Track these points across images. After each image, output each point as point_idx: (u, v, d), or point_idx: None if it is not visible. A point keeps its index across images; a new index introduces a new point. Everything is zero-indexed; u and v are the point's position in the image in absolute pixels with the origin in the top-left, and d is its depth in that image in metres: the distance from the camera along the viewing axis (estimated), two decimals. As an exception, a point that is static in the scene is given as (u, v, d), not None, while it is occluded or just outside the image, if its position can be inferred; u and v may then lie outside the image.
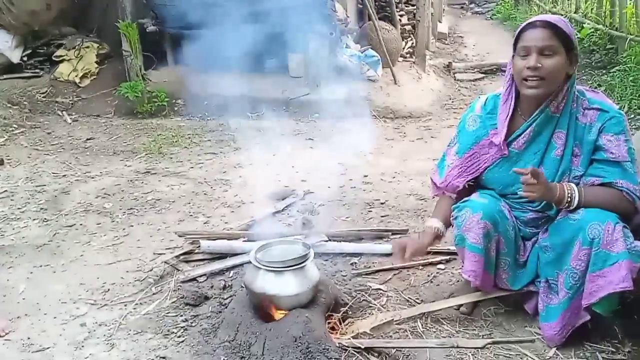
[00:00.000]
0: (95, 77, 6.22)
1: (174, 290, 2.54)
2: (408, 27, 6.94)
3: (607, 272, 1.89)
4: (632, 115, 4.47)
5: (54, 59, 6.27)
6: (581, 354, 2.03)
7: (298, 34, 5.60)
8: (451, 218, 2.24)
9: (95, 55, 6.31)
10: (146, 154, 4.57)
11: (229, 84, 5.23)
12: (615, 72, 5.35)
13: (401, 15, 6.91)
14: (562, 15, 7.55)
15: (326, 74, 5.78)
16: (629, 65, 5.18)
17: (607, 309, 1.97)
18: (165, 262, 2.74)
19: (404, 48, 6.67)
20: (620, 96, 4.86)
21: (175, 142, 4.86)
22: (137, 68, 5.79)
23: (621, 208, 1.96)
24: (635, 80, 4.89)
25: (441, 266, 2.68)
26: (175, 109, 5.72)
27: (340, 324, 2.22)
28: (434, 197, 2.44)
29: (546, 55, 1.97)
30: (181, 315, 2.35)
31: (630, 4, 5.72)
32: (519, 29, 2.04)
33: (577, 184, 2.02)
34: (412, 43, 6.78)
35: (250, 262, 2.19)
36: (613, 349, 2.04)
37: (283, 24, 4.98)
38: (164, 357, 2.11)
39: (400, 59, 6.48)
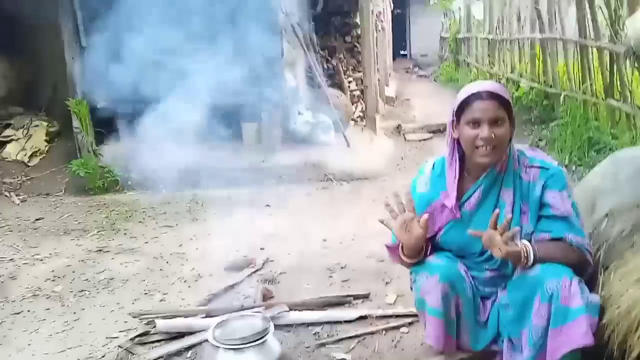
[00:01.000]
0: (44, 155, 6.12)
1: (129, 379, 2.40)
2: (357, 93, 7.19)
3: (568, 328, 1.89)
4: (574, 167, 4.68)
5: (1, 139, 6.14)
6: (549, 412, 2.00)
7: (252, 103, 5.72)
8: (410, 282, 2.23)
9: (45, 133, 6.23)
10: (98, 232, 4.44)
11: (184, 155, 5.21)
12: (553, 126, 5.64)
13: (350, 82, 7.18)
14: (499, 76, 8.01)
15: (280, 141, 5.88)
16: (565, 120, 5.47)
17: (570, 363, 1.98)
18: (119, 346, 2.60)
19: (354, 112, 6.89)
20: (561, 149, 5.10)
21: (130, 217, 4.75)
22: (88, 144, 5.73)
23: (573, 261, 2.00)
24: (572, 133, 5.15)
25: (404, 329, 2.65)
26: (129, 183, 5.63)
27: (306, 399, 2.14)
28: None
29: (496, 125, 2.04)
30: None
31: (560, 63, 6.12)
32: (463, 99, 2.09)
33: (529, 241, 2.07)
34: (362, 107, 7.01)
35: (208, 341, 2.11)
36: (580, 404, 2.02)
37: (237, 94, 5.09)
38: None
39: (352, 122, 6.68)
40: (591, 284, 2.06)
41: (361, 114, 6.93)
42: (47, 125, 6.29)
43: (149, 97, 5.74)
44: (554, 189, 2.09)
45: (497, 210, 1.99)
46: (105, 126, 6.01)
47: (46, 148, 6.16)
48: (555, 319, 1.92)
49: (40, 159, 6.06)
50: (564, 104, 5.73)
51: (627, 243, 2.15)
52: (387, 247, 2.38)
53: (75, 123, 5.73)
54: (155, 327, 2.68)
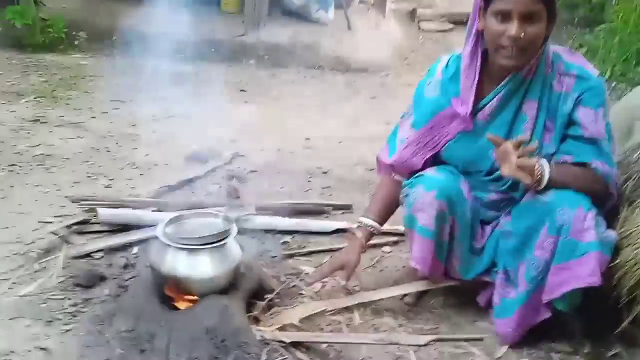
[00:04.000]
0: (-27, -4, 5.86)
1: (62, 268, 2.45)
2: (368, -38, 6.90)
3: (575, 264, 1.96)
4: (614, 83, 4.66)
5: None
6: (535, 354, 2.12)
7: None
8: (401, 195, 2.26)
9: (-25, -32, 5.93)
10: (35, 98, 4.39)
11: (146, 17, 5.04)
12: (599, 31, 5.53)
13: (361, -53, 6.86)
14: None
15: (267, 12, 5.69)
16: (615, 24, 5.35)
17: (569, 305, 2.06)
18: (52, 232, 2.64)
19: (361, -13, 6.65)
20: (603, 59, 5.05)
21: (74, 84, 4.69)
22: (28, -12, 5.49)
23: (594, 191, 2.03)
24: (621, 42, 5.07)
25: (387, 249, 2.74)
26: (76, 43, 5.52)
27: (264, 313, 2.22)
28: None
29: (529, 22, 1.97)
30: (69, 299, 2.28)
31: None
32: None
33: (548, 162, 2.08)
34: (372, -18, 6.76)
35: (157, 237, 2.15)
36: (571, 349, 2.14)
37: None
38: (44, 349, 2.04)
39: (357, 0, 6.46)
40: (610, 219, 2.10)
41: (370, -10, 6.72)
42: (-23, -42, 5.98)
43: None
44: (588, 105, 2.06)
45: (526, 136, 1.99)
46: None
47: (-25, -12, 5.90)
48: (561, 254, 1.98)
49: (-32, 0, 5.83)
50: (617, 4, 5.59)
51: (661, 177, 2.17)
52: (378, 159, 2.38)
53: (14, -40, 5.45)
54: (96, 215, 2.72)
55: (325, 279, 2.37)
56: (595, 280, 1.94)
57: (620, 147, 2.41)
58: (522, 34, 1.96)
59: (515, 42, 1.97)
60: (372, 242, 2.69)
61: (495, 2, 2.00)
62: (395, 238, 2.76)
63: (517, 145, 1.95)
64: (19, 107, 4.21)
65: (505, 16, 1.98)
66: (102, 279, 2.41)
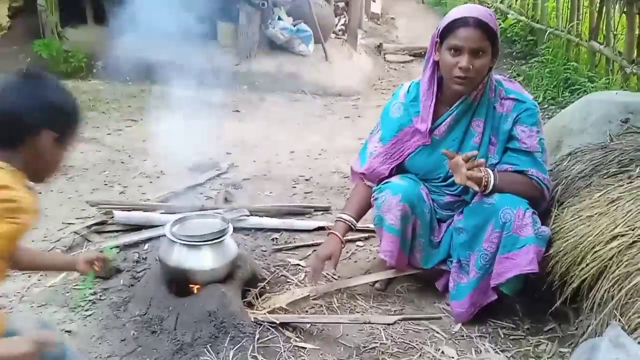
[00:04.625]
0: (6, 31, 5.78)
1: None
2: (341, 4, 6.92)
3: (516, 254, 1.99)
4: (546, 105, 4.71)
5: (-42, 8, 5.74)
6: (484, 330, 2.14)
7: (229, 2, 5.44)
8: (371, 199, 2.27)
9: (7, 8, 5.84)
10: (60, 118, 4.29)
11: (154, 48, 5.00)
12: (533, 63, 5.61)
13: (335, -8, 6.87)
14: (488, 5, 7.81)
15: (257, 45, 5.67)
16: (546, 57, 5.44)
17: (512, 289, 2.08)
18: (75, 232, 2.61)
19: (336, 25, 6.66)
20: (537, 86, 5.11)
21: (93, 106, 4.61)
22: (52, 24, 5.40)
23: (531, 195, 2.07)
24: (551, 72, 5.14)
25: (360, 243, 2.73)
26: (94, 71, 5.42)
27: (257, 299, 2.21)
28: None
29: (477, 56, 1.99)
30: (90, 288, 2.25)
31: (551, -2, 6.00)
32: (449, 22, 2.03)
33: (492, 170, 2.10)
34: (345, 20, 6.77)
35: (165, 236, 2.13)
36: (514, 326, 2.16)
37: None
38: (69, 331, 2.01)
39: (332, 35, 6.46)
40: (544, 217, 2.14)
41: (343, 28, 6.70)
42: (10, -1, 5.89)
43: (121, -20, 5.39)
44: (525, 123, 2.10)
45: (474, 152, 2.01)
46: (71, 7, 5.66)
47: (8, 24, 5.80)
48: (504, 246, 2.01)
49: (1, 35, 5.72)
50: (547, 41, 5.67)
51: (585, 182, 2.22)
52: (352, 168, 2.40)
53: (40, 0, 5.36)
54: (113, 217, 2.68)
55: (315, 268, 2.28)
56: (533, 267, 1.97)
57: (552, 158, 2.46)
58: (471, 66, 1.99)
59: (465, 72, 2.00)
60: (347, 237, 2.70)
61: (449, 38, 2.03)
62: (366, 234, 2.76)
63: (467, 159, 1.98)
64: (45, 126, 4.13)
65: (457, 50, 2.01)
66: (118, 271, 2.37)
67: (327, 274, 2.43)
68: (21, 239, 1.28)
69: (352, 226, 2.32)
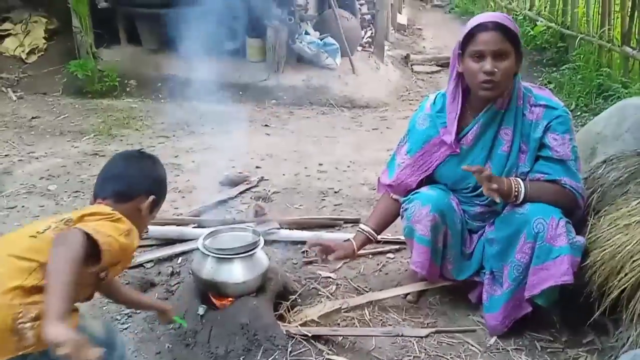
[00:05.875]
0: (43, 53, 5.98)
1: (119, 277, 2.46)
2: (368, 17, 6.95)
3: (550, 265, 1.95)
4: (579, 113, 4.63)
5: (-1, 32, 5.98)
6: (520, 342, 2.09)
7: (257, 18, 5.53)
8: (401, 209, 2.26)
9: (44, 30, 6.05)
10: (95, 135, 4.43)
11: (184, 66, 5.11)
12: (564, 70, 5.52)
13: (361, 4, 6.91)
14: (516, 12, 7.74)
15: (284, 60, 5.73)
16: (578, 64, 5.35)
17: (547, 300, 2.04)
18: (111, 247, 2.66)
19: (363, 37, 6.69)
20: (569, 93, 5.03)
21: (126, 124, 4.72)
22: (87, 45, 5.58)
23: (564, 204, 2.03)
24: (583, 78, 5.05)
25: (391, 255, 2.71)
26: (127, 89, 5.56)
27: (289, 311, 2.21)
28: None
29: (500, 59, 1.99)
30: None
31: (581, 3, 5.90)
32: (469, 29, 2.03)
33: (523, 180, 2.07)
34: (372, 33, 6.80)
35: (198, 249, 2.16)
36: (551, 338, 2.11)
37: (243, 7, 4.90)
38: (106, 345, 2.05)
39: (359, 48, 6.49)
40: (580, 227, 2.09)
41: (370, 40, 6.73)
42: (46, 22, 6.09)
43: (152, 1, 5.54)
44: (556, 131, 2.07)
45: (482, 168, 1.99)
46: (105, 28, 5.84)
47: (44, 46, 6.01)
48: (538, 257, 1.97)
49: (39, 56, 5.93)
50: (578, 47, 5.57)
51: (621, 190, 2.16)
52: (379, 180, 2.39)
53: (75, 22, 5.55)
54: (147, 232, 2.72)
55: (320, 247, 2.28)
56: (568, 278, 1.93)
57: (586, 165, 2.40)
58: (495, 69, 1.98)
59: (491, 76, 1.99)
60: (377, 249, 2.71)
61: (470, 46, 2.03)
62: (397, 246, 2.74)
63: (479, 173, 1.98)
64: (81, 144, 4.25)
65: (480, 56, 2.00)
66: (153, 284, 2.41)
67: (358, 286, 2.42)
68: (117, 272, 1.56)
69: (372, 238, 2.31)
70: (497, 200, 1.99)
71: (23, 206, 3.17)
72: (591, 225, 2.10)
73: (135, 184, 1.63)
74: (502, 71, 1.99)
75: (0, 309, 1.22)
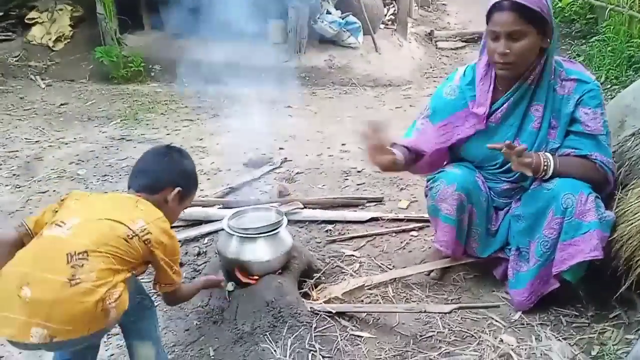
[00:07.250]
0: (69, 40, 6.07)
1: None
2: (390, -6, 6.85)
3: (579, 240, 1.92)
4: (609, 85, 4.51)
5: (26, 21, 6.08)
6: (545, 318, 2.08)
7: (279, 0, 5.50)
8: (425, 188, 2.25)
9: (69, 18, 6.14)
10: (121, 120, 4.50)
11: (207, 50, 5.14)
12: (594, 42, 5.36)
13: (383, -19, 6.80)
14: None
15: (306, 40, 5.71)
16: (607, 35, 5.19)
17: (575, 276, 2.01)
18: (139, 229, 2.72)
19: (385, 15, 6.60)
20: (598, 66, 4.89)
21: (152, 108, 4.79)
22: (112, 32, 5.65)
23: (594, 179, 1.99)
24: (613, 50, 4.90)
25: (414, 233, 2.71)
26: (152, 74, 5.63)
27: (313, 289, 2.24)
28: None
29: (514, 40, 1.94)
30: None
31: (611, -27, 5.70)
32: (489, 7, 1.98)
33: (552, 154, 2.03)
34: (394, 10, 6.70)
35: (223, 229, 2.19)
36: (577, 313, 2.10)
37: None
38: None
39: (382, 26, 6.42)
40: (608, 201, 2.05)
41: (392, 17, 6.64)
42: (72, 9, 6.18)
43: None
44: (588, 105, 2.02)
45: (507, 142, 1.93)
46: (129, 14, 5.89)
47: (70, 33, 6.10)
48: (566, 232, 1.94)
49: (65, 44, 6.02)
50: (608, 18, 5.40)
51: (650, 163, 2.10)
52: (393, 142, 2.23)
53: (99, 9, 5.61)
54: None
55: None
56: (597, 254, 1.90)
57: (615, 139, 2.35)
58: (508, 50, 1.94)
59: (504, 58, 1.96)
60: (401, 227, 2.70)
61: (489, 25, 1.99)
62: (420, 224, 2.74)
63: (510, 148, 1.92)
64: (108, 129, 4.33)
65: (495, 36, 1.97)
66: (180, 264, 2.43)
67: (381, 264, 2.43)
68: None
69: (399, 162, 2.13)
70: (529, 174, 1.96)
71: (55, 190, 3.26)
72: (618, 199, 2.06)
73: (160, 177, 1.75)
74: (517, 52, 1.95)
75: (93, 294, 1.40)
